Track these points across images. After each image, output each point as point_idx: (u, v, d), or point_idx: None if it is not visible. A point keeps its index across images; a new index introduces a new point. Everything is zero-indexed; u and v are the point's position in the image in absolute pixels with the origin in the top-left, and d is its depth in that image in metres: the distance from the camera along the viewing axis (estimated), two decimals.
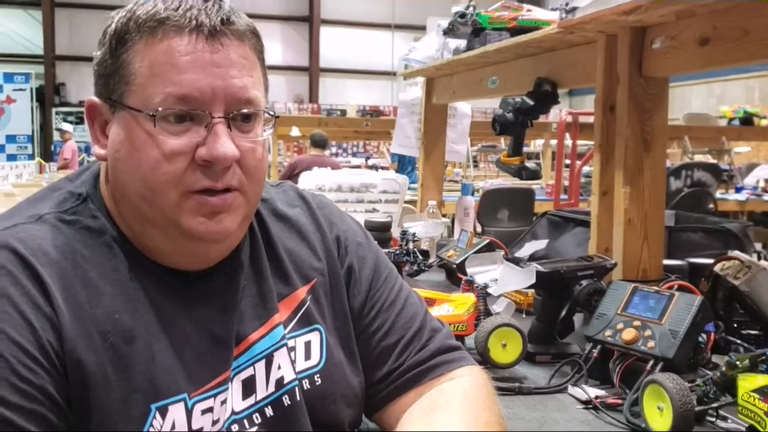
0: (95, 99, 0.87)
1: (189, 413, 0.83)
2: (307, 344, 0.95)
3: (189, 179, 0.82)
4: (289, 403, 0.90)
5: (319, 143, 7.15)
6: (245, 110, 0.85)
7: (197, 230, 0.83)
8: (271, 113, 0.89)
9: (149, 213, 0.84)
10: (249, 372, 0.90)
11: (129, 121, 0.83)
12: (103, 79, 0.86)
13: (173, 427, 0.81)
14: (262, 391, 0.90)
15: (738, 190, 6.45)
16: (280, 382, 0.91)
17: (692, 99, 12.66)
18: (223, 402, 0.86)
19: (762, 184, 6.59)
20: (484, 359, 1.32)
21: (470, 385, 0.96)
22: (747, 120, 7.61)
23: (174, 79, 0.81)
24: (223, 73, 0.82)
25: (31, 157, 12.81)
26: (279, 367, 0.91)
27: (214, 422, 0.85)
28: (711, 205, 5.33)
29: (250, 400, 0.89)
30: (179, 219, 0.83)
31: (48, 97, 15.26)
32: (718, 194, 5.86)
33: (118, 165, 0.85)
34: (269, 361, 0.91)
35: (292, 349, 0.93)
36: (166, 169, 0.82)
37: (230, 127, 0.83)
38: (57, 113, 15.03)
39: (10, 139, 13.57)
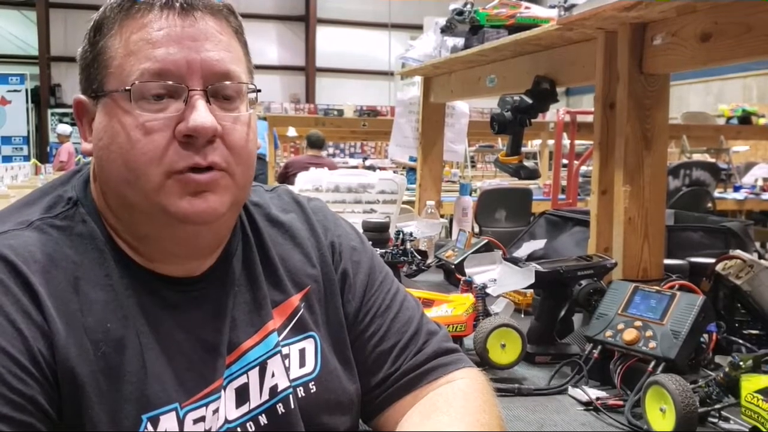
0: (81, 96, 0.87)
1: (181, 423, 0.81)
2: (302, 351, 0.93)
3: (171, 158, 0.80)
4: (284, 411, 0.89)
5: (316, 143, 7.13)
6: (225, 83, 0.83)
7: (183, 210, 0.80)
8: (253, 88, 0.87)
9: (134, 198, 0.81)
10: (242, 380, 0.88)
11: (109, 106, 0.82)
12: (85, 72, 0.85)
13: None
14: (255, 399, 0.88)
15: (736, 189, 6.46)
16: (274, 390, 0.89)
17: (690, 98, 12.69)
18: (215, 411, 0.84)
19: (760, 183, 6.61)
20: (483, 360, 1.30)
21: (469, 387, 0.94)
22: (745, 119, 7.62)
23: (149, 54, 0.80)
24: (198, 46, 0.81)
25: (27, 158, 12.76)
26: (273, 375, 0.90)
27: (207, 431, 0.83)
28: (709, 204, 5.33)
29: (244, 409, 0.87)
30: (163, 201, 0.80)
31: (43, 98, 15.19)
32: (716, 193, 5.87)
33: (101, 154, 0.83)
34: (263, 368, 0.89)
35: (286, 356, 0.92)
36: (146, 147, 0.79)
37: (209, 101, 0.81)
38: (53, 114, 14.97)
39: (6, 140, 13.54)
